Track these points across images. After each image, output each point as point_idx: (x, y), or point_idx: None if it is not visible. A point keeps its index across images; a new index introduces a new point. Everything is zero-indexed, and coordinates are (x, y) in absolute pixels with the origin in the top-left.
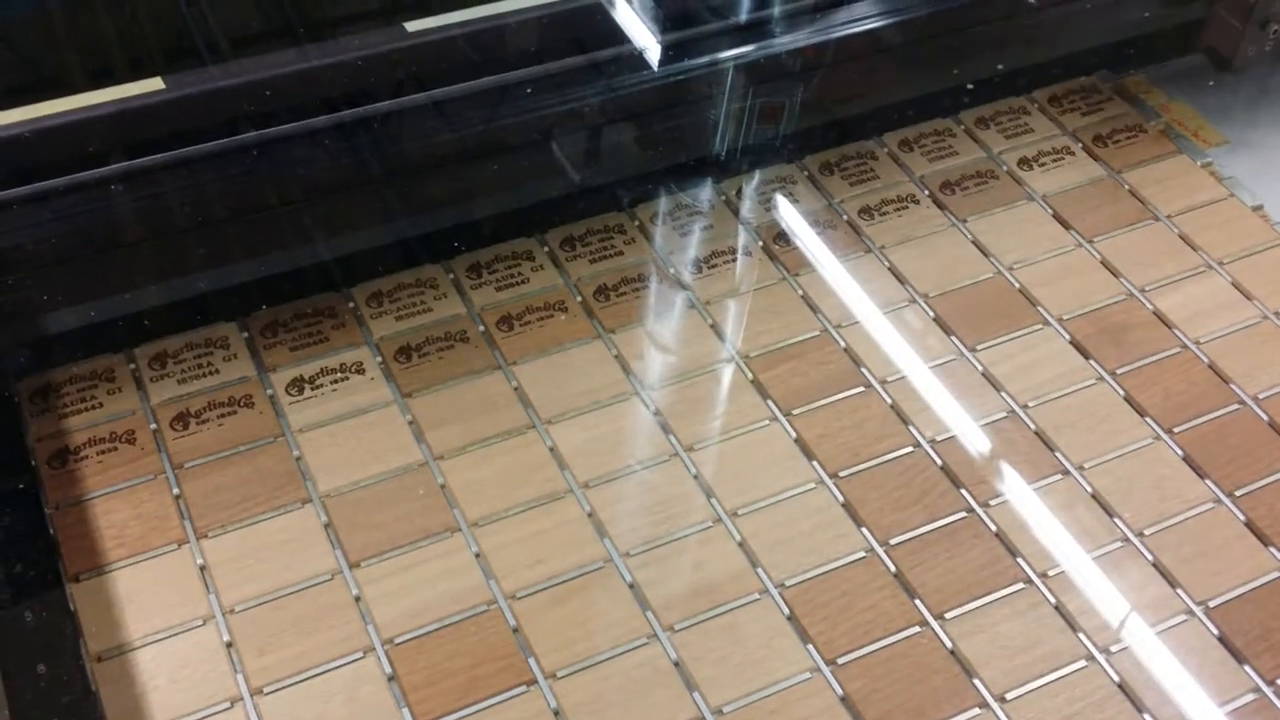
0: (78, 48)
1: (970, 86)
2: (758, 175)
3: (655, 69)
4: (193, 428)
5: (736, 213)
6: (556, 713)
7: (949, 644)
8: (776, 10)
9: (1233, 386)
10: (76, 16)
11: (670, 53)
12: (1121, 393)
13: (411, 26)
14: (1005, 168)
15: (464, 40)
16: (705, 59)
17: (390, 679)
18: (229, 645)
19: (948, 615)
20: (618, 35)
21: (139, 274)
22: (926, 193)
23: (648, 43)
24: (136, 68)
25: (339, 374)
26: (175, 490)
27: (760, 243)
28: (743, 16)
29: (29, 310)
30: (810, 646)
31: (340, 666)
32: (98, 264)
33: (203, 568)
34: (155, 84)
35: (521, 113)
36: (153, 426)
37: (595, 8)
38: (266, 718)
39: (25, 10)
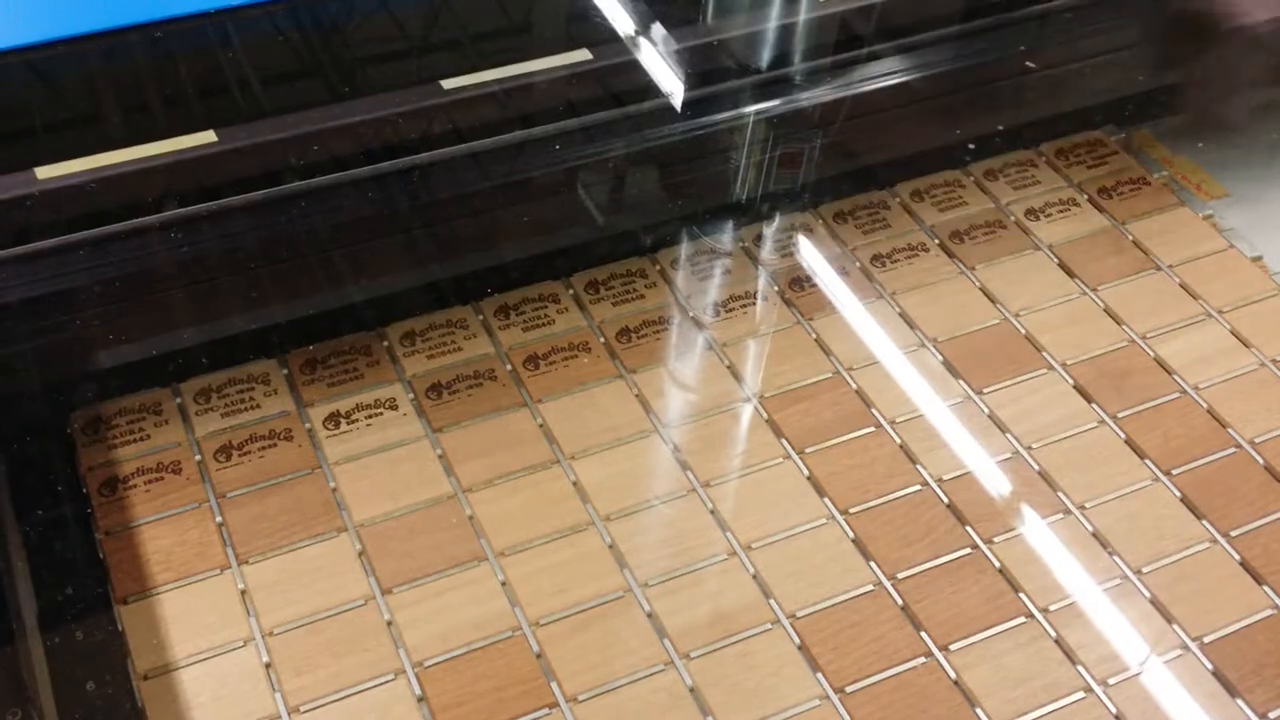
0: (135, 103)
1: (972, 145)
2: (775, 222)
3: (677, 120)
4: (235, 459)
5: (754, 259)
6: None
7: (953, 674)
8: (794, 66)
9: (1230, 431)
10: (138, 72)
11: (691, 107)
12: (1122, 435)
13: (447, 84)
14: (1013, 218)
15: (496, 97)
16: (727, 113)
17: (420, 700)
18: (268, 666)
19: (952, 647)
20: (643, 90)
21: (187, 314)
22: (936, 241)
23: (671, 95)
24: (190, 122)
25: (373, 409)
26: (218, 518)
27: (776, 288)
28: (762, 71)
29: (84, 346)
30: (819, 675)
31: (373, 687)
32: (148, 304)
33: (244, 592)
34: (208, 137)
35: (549, 164)
36: (197, 458)
37: (620, 66)
38: None
39: (89, 67)
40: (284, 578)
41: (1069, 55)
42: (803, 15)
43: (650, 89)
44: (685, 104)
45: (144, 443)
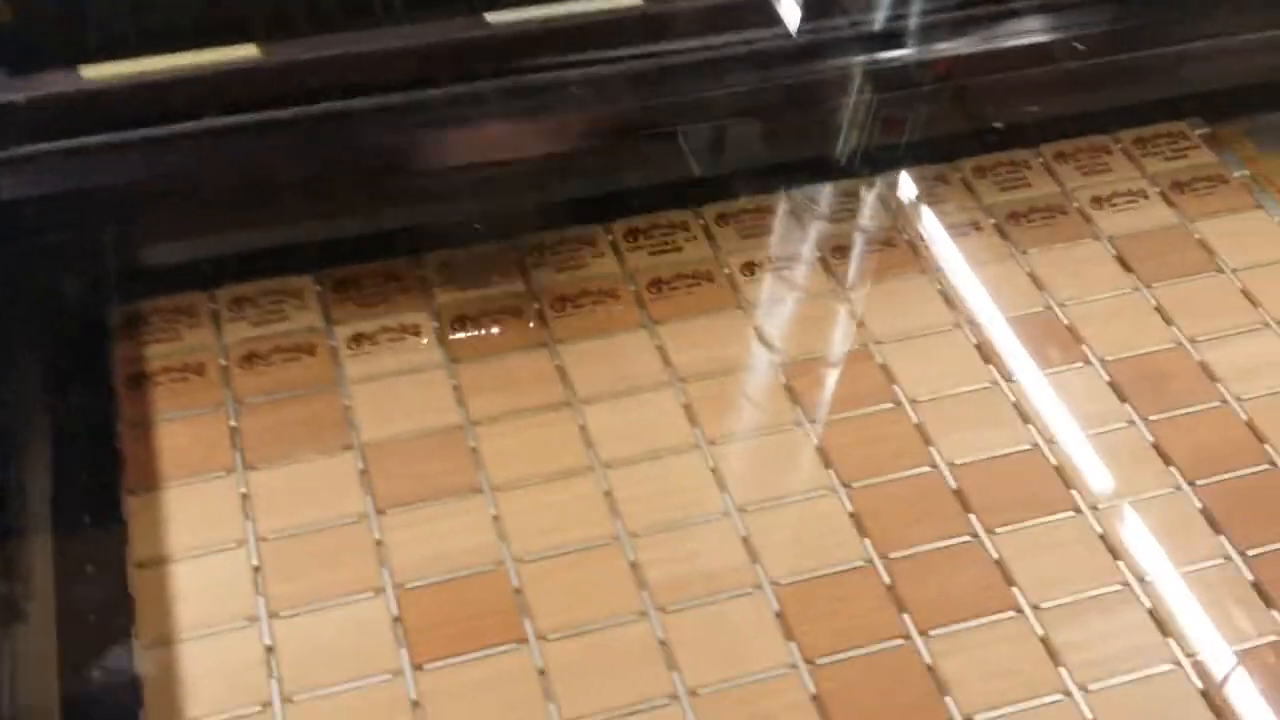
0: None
1: (1047, 125)
2: (834, 185)
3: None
4: (258, 368)
5: (800, 221)
6: (541, 671)
7: (928, 660)
8: (885, 23)
9: (1267, 447)
10: None
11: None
12: (1151, 439)
13: (493, 18)
14: (1076, 204)
15: (542, 34)
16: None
17: (396, 620)
18: (256, 569)
19: (932, 633)
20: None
21: (232, 222)
22: (992, 221)
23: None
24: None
25: (398, 334)
26: (233, 423)
27: (819, 254)
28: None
29: (131, 244)
30: (793, 644)
31: (353, 603)
32: (196, 208)
33: (245, 496)
34: (251, 50)
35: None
36: (222, 362)
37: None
38: (278, 638)
39: None
40: (286, 487)
41: (1163, 38)
42: None
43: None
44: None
45: (175, 343)
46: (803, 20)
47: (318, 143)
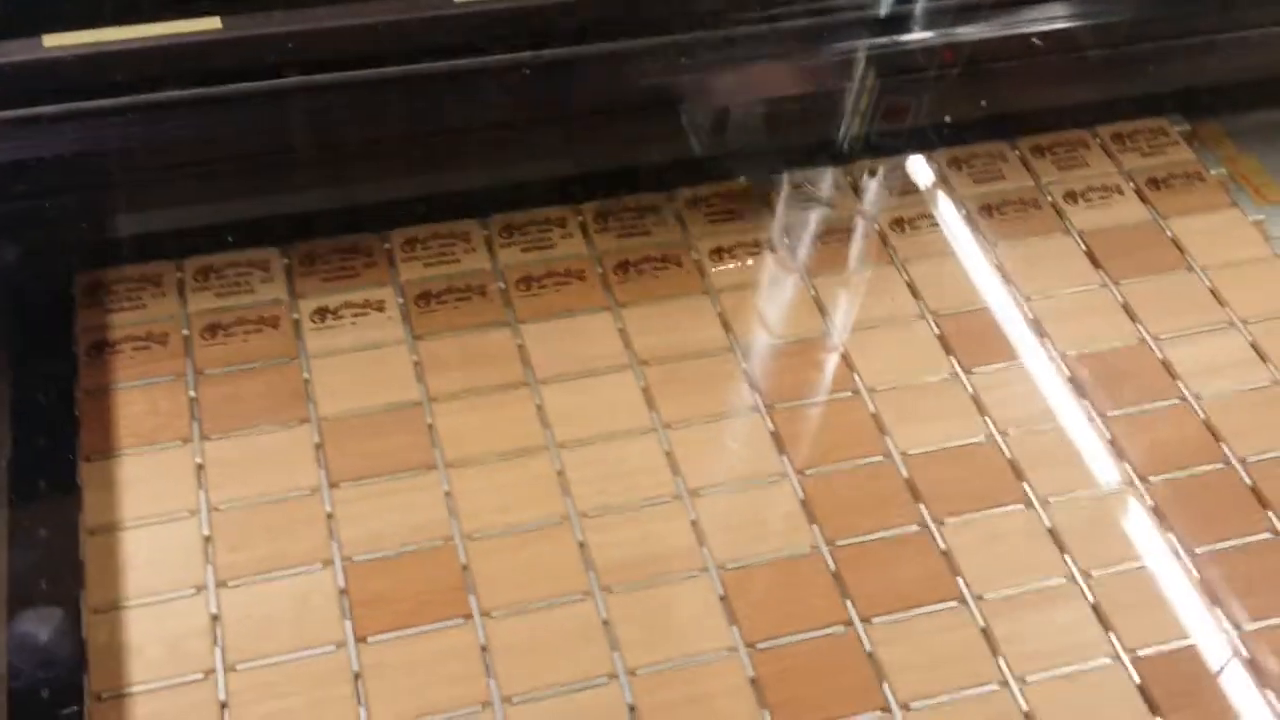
0: None
1: (1024, 119)
2: (803, 173)
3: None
4: (220, 338)
5: (772, 209)
6: (484, 647)
7: (868, 647)
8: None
9: (1222, 446)
10: None
11: None
12: (1107, 435)
13: None
14: (1050, 198)
15: (505, 15)
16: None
17: (341, 592)
18: (207, 538)
19: (874, 620)
20: None
21: (201, 193)
22: (964, 212)
23: None
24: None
25: (361, 309)
26: (192, 393)
27: (788, 240)
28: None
29: (97, 211)
30: (735, 628)
31: (300, 574)
32: (164, 178)
33: (200, 466)
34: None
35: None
36: (185, 333)
37: None
38: (224, 607)
39: None
40: (240, 458)
41: (1147, 33)
42: None
43: None
44: None
45: (139, 311)
46: (778, 6)
47: (287, 117)
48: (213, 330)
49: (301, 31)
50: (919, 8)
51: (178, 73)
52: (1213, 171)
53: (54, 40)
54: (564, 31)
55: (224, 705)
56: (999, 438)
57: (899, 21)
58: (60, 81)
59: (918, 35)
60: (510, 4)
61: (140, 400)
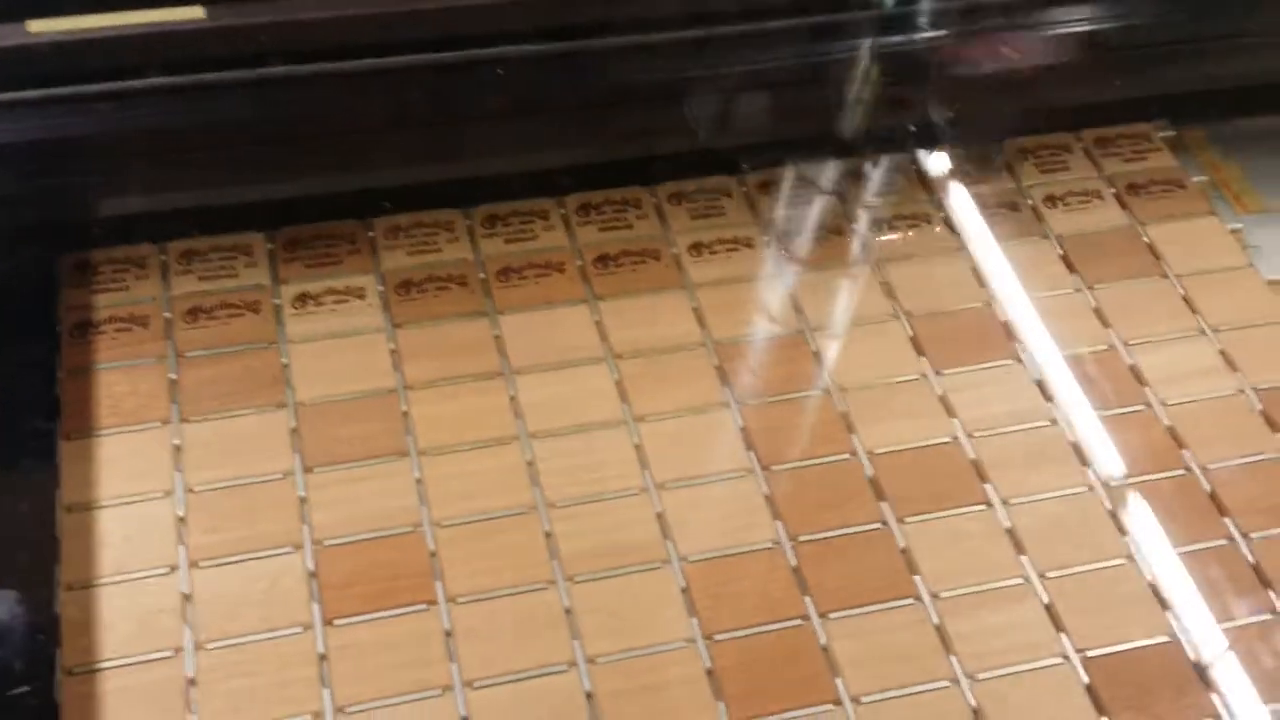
0: None
1: (1013, 122)
2: (783, 174)
3: None
4: (202, 322)
5: (753, 206)
6: (448, 633)
7: (823, 641)
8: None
9: (1184, 452)
10: None
11: None
12: (1071, 438)
13: None
14: (1030, 201)
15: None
16: None
17: (311, 575)
18: (181, 519)
19: (832, 615)
20: None
21: (188, 177)
22: (942, 215)
23: None
24: None
25: (342, 295)
26: (172, 375)
27: (766, 239)
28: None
29: (85, 193)
30: (694, 619)
31: (271, 556)
32: (150, 162)
33: (177, 448)
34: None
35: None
36: (167, 315)
37: None
38: (196, 586)
39: None
40: (218, 440)
41: (1135, 38)
42: None
43: None
44: None
45: (122, 293)
46: (759, 7)
47: (274, 104)
48: (194, 313)
49: (287, 21)
50: (905, 10)
51: (163, 60)
52: (1194, 178)
53: (39, 26)
54: (548, 26)
55: (191, 682)
56: (964, 439)
57: (884, 23)
58: (45, 66)
59: (904, 37)
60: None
61: (121, 381)
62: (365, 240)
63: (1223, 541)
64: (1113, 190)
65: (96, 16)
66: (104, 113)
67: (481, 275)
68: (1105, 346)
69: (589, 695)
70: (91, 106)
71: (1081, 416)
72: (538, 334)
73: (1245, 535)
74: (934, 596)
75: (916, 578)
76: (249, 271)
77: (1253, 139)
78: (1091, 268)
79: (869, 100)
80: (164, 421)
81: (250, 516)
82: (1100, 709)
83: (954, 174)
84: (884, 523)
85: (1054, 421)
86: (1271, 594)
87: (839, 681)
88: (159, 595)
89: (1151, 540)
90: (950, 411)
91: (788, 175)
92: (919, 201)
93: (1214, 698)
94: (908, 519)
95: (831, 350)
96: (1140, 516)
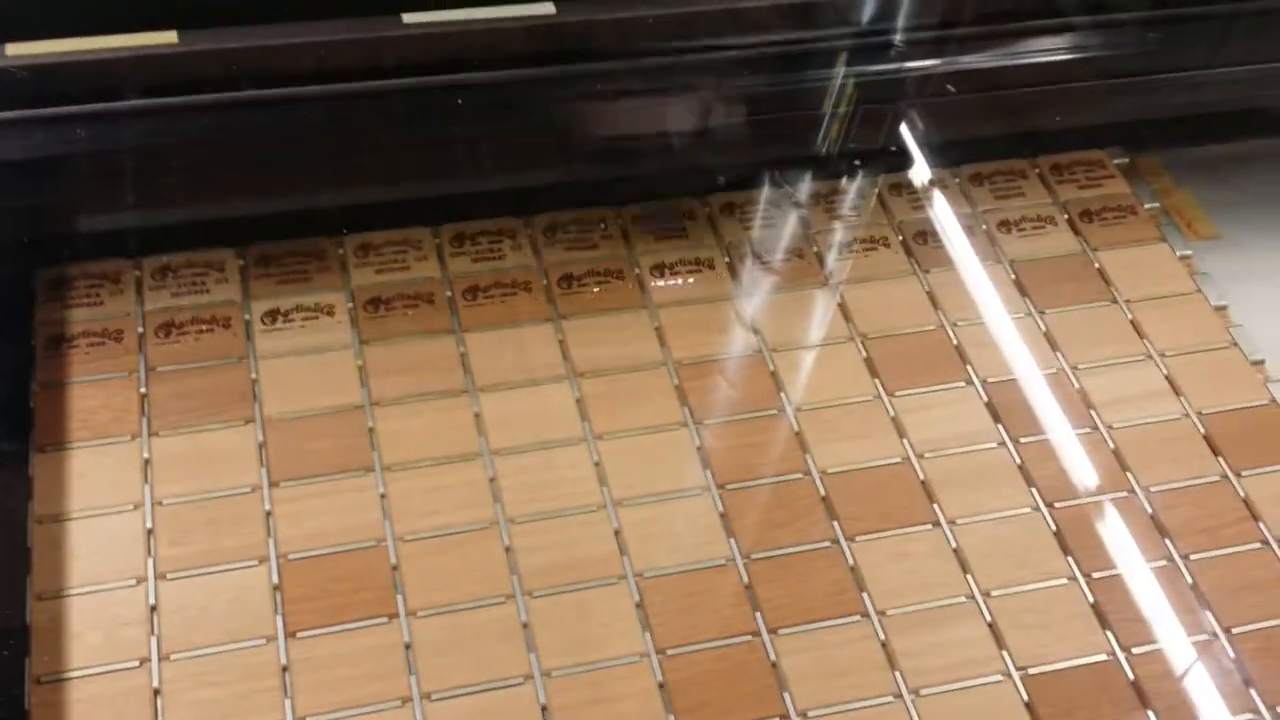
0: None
1: (967, 147)
2: (745, 197)
3: None
4: (174, 337)
5: (715, 228)
6: (408, 646)
7: (773, 656)
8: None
9: (1128, 474)
10: None
11: None
12: (1017, 460)
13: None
14: (984, 226)
15: (456, 36)
16: None
17: (275, 588)
18: (149, 532)
19: (781, 631)
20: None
21: (163, 194)
22: (900, 238)
23: None
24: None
25: (311, 312)
26: (143, 389)
27: (727, 259)
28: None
29: (61, 210)
30: (647, 634)
31: (236, 569)
32: (125, 181)
33: (147, 461)
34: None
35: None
36: (139, 330)
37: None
38: (162, 598)
39: None
40: (186, 454)
41: (1090, 68)
42: None
43: None
44: None
45: (96, 308)
46: (723, 38)
47: (245, 126)
48: (167, 329)
49: (256, 47)
50: (868, 41)
51: (138, 82)
52: (1147, 205)
53: (16, 49)
54: (519, 52)
55: (157, 692)
56: (914, 460)
57: (848, 54)
58: (23, 88)
59: (868, 67)
60: (461, 27)
61: (94, 395)
62: (335, 257)
63: (1163, 563)
64: (1066, 216)
65: (73, 40)
66: (80, 134)
67: (449, 293)
68: (1054, 370)
69: (544, 708)
70: (68, 127)
71: (1028, 439)
72: (503, 352)
73: (1185, 556)
74: (880, 614)
75: (864, 595)
76: (220, 288)
77: (1206, 166)
78: (1042, 292)
79: (833, 124)
80: (134, 435)
81: (217, 529)
82: None
83: (911, 198)
84: (835, 541)
85: (1001, 443)
86: (1209, 614)
87: (787, 696)
88: (127, 606)
89: (1093, 560)
90: (901, 432)
91: (750, 198)
92: (878, 225)
93: (1150, 715)
94: (858, 537)
95: (788, 371)
96: (1083, 537)
